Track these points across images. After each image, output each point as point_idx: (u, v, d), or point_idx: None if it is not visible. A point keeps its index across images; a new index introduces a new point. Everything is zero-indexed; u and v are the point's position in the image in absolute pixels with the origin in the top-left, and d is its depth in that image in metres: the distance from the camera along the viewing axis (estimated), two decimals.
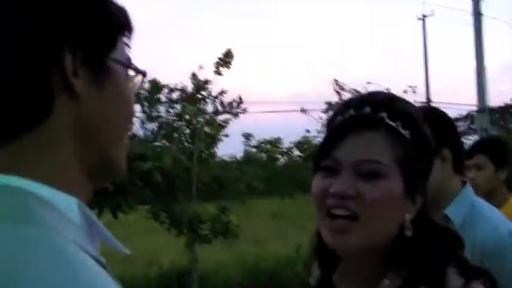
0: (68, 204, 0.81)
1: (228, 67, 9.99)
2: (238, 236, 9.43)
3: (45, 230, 0.73)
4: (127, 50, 0.94)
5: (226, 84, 13.21)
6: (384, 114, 1.25)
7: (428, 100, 23.80)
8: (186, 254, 9.46)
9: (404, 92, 15.55)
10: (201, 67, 10.11)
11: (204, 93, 10.33)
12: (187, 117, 10.37)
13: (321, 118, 14.83)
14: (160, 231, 9.73)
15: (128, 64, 0.93)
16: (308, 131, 14.13)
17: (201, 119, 10.43)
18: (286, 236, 13.38)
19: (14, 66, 0.81)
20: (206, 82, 10.09)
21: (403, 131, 1.25)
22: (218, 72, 9.93)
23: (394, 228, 1.24)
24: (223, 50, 9.93)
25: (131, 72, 0.95)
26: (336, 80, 13.91)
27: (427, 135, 1.31)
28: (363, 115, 1.25)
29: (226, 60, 9.93)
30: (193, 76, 10.12)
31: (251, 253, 11.62)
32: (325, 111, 15.45)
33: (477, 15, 15.35)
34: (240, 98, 10.51)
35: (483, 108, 15.04)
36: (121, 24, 0.91)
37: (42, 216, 0.75)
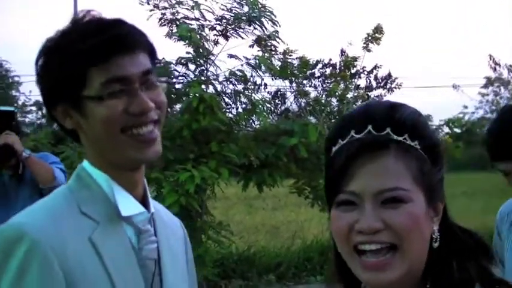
0: (100, 176, 1.50)
1: (378, 43, 9.86)
2: None
3: (66, 190, 1.49)
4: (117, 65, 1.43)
5: (377, 61, 12.94)
6: (389, 129, 1.20)
7: None
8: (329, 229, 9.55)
9: None
10: (350, 43, 10.10)
11: (356, 68, 10.27)
12: (337, 93, 10.41)
13: (479, 93, 14.22)
14: (306, 206, 9.92)
15: (94, 96, 1.42)
16: (466, 106, 13.62)
17: (350, 95, 10.40)
18: None
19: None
20: (355, 59, 10.04)
21: (413, 144, 1.21)
22: (367, 49, 9.84)
23: (427, 246, 1.23)
24: (373, 26, 9.81)
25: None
26: (491, 56, 13.16)
27: (434, 137, 1.27)
28: (368, 138, 1.20)
29: (376, 36, 9.80)
30: (342, 52, 10.11)
31: None
32: (484, 86, 14.79)
33: None
34: (390, 74, 10.37)
35: None
36: (81, 68, 1.41)
37: (74, 184, 1.50)
